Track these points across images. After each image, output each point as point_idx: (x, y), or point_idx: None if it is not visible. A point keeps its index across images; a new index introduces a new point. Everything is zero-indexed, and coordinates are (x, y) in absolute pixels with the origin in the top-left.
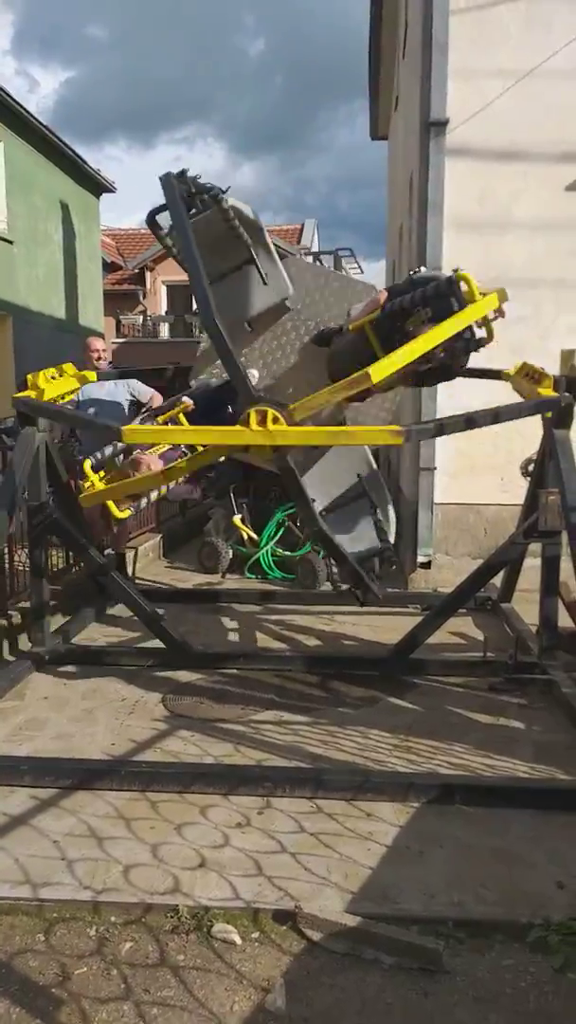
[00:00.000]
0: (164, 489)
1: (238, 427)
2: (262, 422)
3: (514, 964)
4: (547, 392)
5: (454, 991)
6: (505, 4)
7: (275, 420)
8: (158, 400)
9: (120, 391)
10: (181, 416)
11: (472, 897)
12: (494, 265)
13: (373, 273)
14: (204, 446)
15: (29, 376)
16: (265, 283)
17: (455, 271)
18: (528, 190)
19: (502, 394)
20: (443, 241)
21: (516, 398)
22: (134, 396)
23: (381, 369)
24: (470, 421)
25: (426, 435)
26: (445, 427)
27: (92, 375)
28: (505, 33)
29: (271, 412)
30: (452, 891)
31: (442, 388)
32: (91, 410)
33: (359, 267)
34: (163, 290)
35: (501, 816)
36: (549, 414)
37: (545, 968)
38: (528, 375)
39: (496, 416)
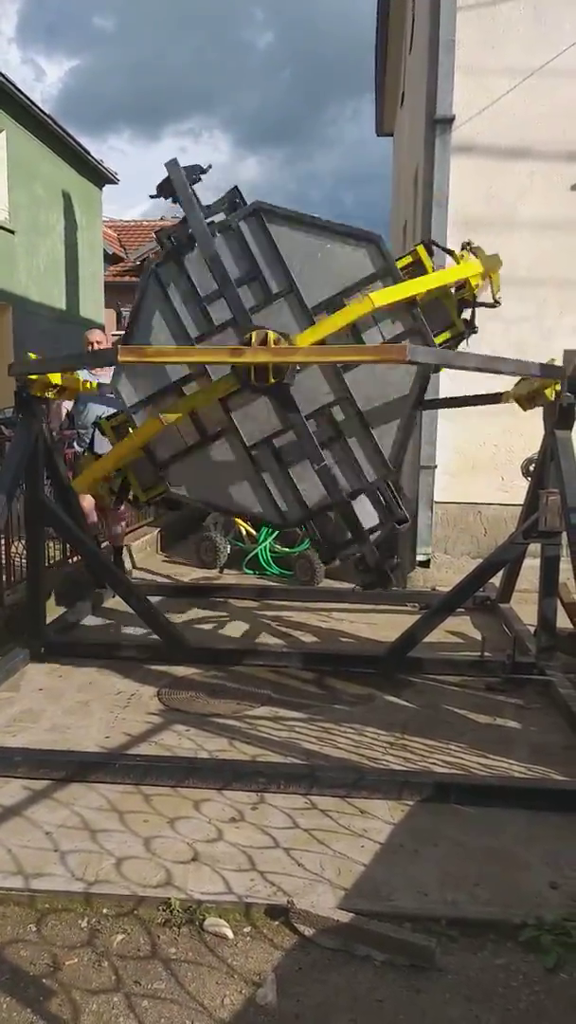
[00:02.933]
0: None
1: (241, 347)
2: (263, 342)
3: (506, 963)
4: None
5: (446, 989)
6: (513, 1)
7: (276, 343)
8: None
9: None
10: None
11: (466, 896)
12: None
13: None
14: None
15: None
16: None
17: (466, 244)
18: (534, 189)
19: (506, 378)
20: (447, 238)
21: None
22: None
23: (383, 295)
24: (477, 362)
25: (430, 358)
26: (450, 359)
27: (88, 386)
28: (512, 30)
29: (272, 335)
30: (445, 889)
31: (444, 372)
32: (91, 406)
33: None
34: None
35: (496, 816)
36: (552, 415)
37: (537, 967)
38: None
39: (504, 365)
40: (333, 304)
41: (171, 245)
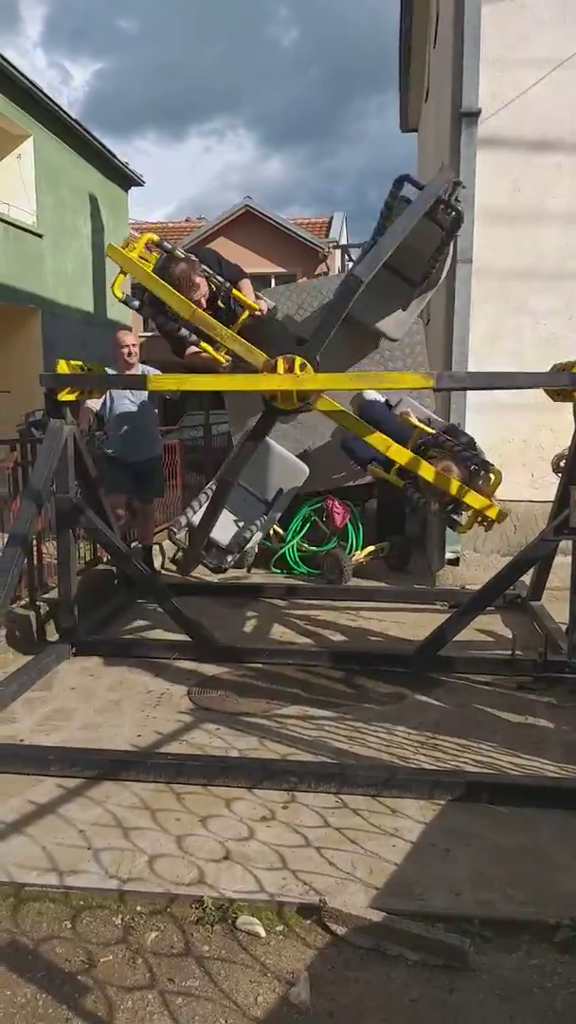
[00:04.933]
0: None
1: (266, 374)
2: (289, 369)
3: (541, 964)
4: None
5: (479, 989)
6: None
7: (302, 367)
8: None
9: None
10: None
11: (499, 896)
12: (526, 257)
13: None
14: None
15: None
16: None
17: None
18: (561, 181)
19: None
20: (474, 233)
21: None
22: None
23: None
24: (504, 380)
25: (456, 383)
26: (476, 379)
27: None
28: (538, 22)
29: (299, 360)
30: (478, 889)
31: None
32: (117, 403)
33: None
34: None
35: (528, 815)
36: None
37: (574, 968)
38: None
39: (530, 381)
40: None
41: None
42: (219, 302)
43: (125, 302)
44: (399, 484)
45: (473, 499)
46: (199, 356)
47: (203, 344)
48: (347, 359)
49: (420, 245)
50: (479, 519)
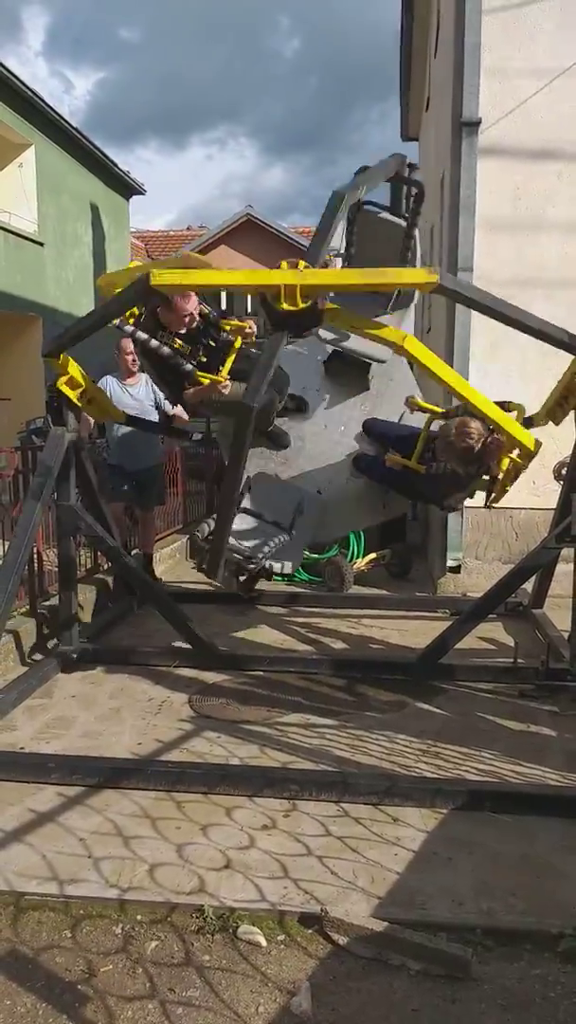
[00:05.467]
0: None
1: (269, 270)
2: (293, 267)
3: (544, 973)
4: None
5: (482, 999)
6: (539, 3)
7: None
8: (181, 416)
9: (148, 393)
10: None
11: (501, 905)
12: (527, 266)
13: None
14: None
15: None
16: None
17: None
18: (562, 190)
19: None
20: (474, 241)
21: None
22: (158, 403)
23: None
24: (511, 310)
25: (460, 288)
26: (482, 295)
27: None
28: (539, 32)
29: (302, 262)
30: (481, 898)
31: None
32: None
33: None
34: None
35: (531, 824)
36: None
37: None
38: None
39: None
40: None
41: None
42: (209, 339)
43: (118, 327)
44: (420, 470)
45: (509, 424)
46: (203, 389)
47: (198, 374)
48: (354, 392)
49: (385, 252)
50: (516, 457)
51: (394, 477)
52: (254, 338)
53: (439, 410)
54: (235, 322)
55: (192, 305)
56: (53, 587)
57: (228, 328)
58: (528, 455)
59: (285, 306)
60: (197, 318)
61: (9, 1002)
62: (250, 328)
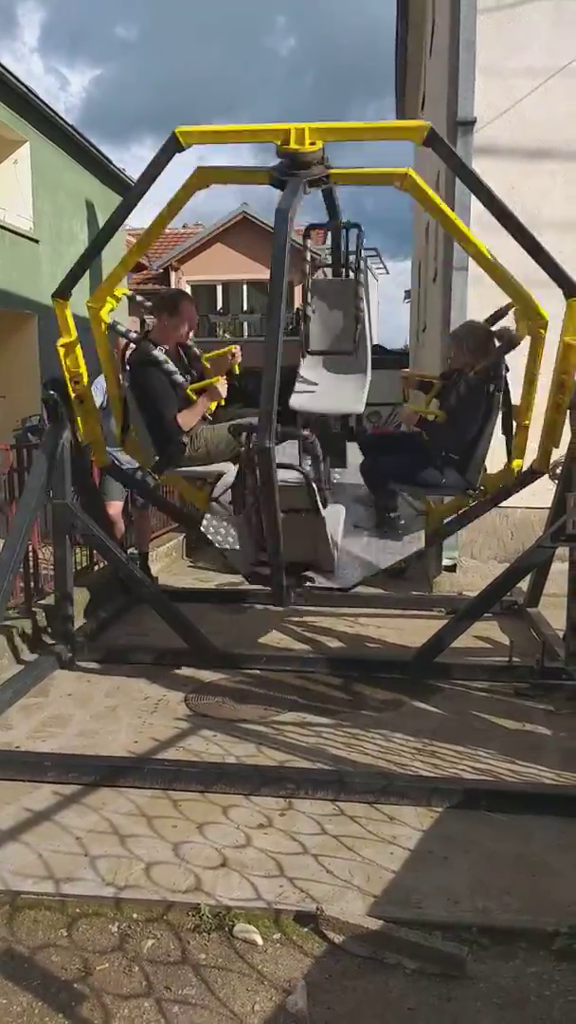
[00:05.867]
0: None
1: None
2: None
3: (539, 972)
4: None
5: (477, 997)
6: (534, 3)
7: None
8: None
9: None
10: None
11: (496, 904)
12: (522, 266)
13: (398, 272)
14: None
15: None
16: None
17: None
18: (557, 190)
19: None
20: None
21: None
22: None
23: None
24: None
25: (445, 145)
26: (465, 177)
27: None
28: (534, 32)
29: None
30: (476, 897)
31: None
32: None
33: (384, 268)
34: (187, 289)
35: (526, 823)
36: None
37: (571, 976)
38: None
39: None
40: None
41: None
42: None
43: (111, 327)
44: (439, 413)
45: (513, 283)
46: (199, 403)
47: (189, 390)
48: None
49: (339, 305)
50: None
51: (409, 457)
52: (238, 362)
53: (433, 376)
54: (217, 352)
55: (192, 323)
56: (49, 585)
57: (207, 362)
58: (542, 323)
59: (296, 147)
60: (194, 326)
61: (5, 1001)
62: (233, 354)
